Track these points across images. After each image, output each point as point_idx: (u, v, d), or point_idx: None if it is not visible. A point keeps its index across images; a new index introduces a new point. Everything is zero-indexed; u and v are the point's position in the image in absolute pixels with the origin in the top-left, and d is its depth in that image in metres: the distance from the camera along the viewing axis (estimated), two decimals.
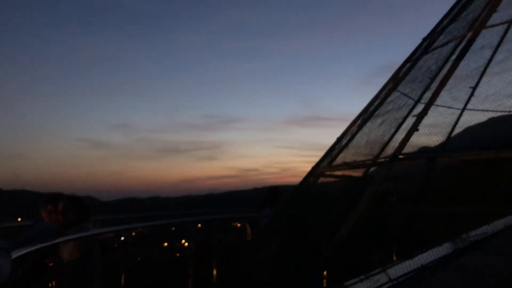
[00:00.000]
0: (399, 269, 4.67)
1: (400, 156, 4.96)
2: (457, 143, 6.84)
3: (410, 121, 5.74)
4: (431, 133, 5.89)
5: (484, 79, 6.50)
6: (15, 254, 2.70)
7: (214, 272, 6.36)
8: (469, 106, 6.61)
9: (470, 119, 6.36)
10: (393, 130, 6.24)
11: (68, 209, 4.44)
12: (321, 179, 6.57)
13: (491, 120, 5.79)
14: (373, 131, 6.59)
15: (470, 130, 6.16)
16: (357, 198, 4.50)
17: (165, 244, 8.81)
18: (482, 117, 5.97)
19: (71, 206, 4.49)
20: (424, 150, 5.81)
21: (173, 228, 8.71)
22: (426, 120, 5.72)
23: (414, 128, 4.97)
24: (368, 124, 6.68)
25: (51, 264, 4.05)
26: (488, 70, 6.42)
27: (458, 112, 6.68)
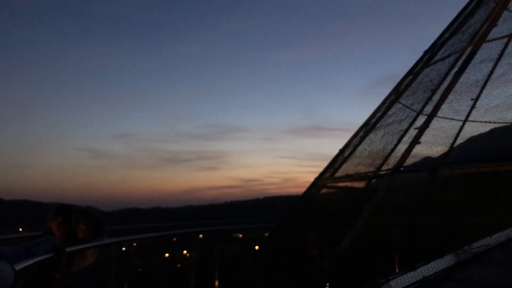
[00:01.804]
0: (401, 281, 4.66)
1: (402, 169, 4.97)
2: (459, 154, 6.86)
3: (412, 133, 5.79)
4: (433, 144, 5.93)
5: (485, 92, 6.54)
6: (19, 266, 2.68)
7: (216, 282, 6.36)
8: (470, 118, 6.64)
9: (472, 131, 6.39)
10: (395, 142, 6.29)
11: (81, 223, 4.45)
12: (324, 190, 6.61)
13: (492, 132, 5.81)
14: (375, 143, 6.64)
15: (472, 142, 6.18)
16: (359, 210, 4.52)
17: (166, 254, 8.79)
18: (483, 129, 6.01)
19: (85, 220, 4.49)
20: (426, 161, 5.84)
21: (174, 239, 8.71)
22: (428, 132, 5.76)
23: (415, 141, 4.99)
24: (370, 136, 6.73)
25: (57, 276, 4.04)
26: (489, 83, 6.46)
27: (460, 124, 6.72)
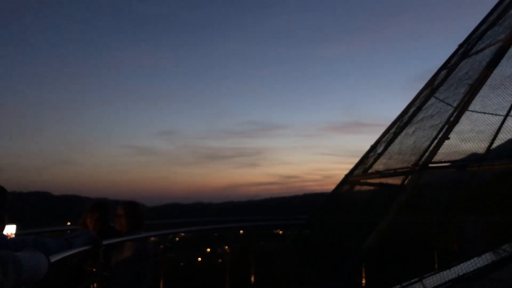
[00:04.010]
0: (436, 279, 4.60)
1: (431, 165, 4.88)
2: (502, 151, 6.61)
3: (446, 128, 5.64)
4: (469, 140, 5.74)
5: None
6: (54, 258, 2.79)
7: (252, 278, 6.42)
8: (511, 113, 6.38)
9: None
10: (432, 137, 6.14)
11: (125, 215, 4.61)
12: (356, 187, 6.54)
13: None
14: (410, 138, 6.51)
15: None
16: (389, 206, 4.48)
17: (208, 249, 8.94)
18: None
19: (128, 211, 4.67)
20: (466, 158, 5.68)
21: (215, 234, 8.85)
22: (465, 127, 5.60)
23: (445, 137, 4.88)
24: (405, 132, 6.61)
25: (90, 269, 4.20)
26: None
27: (500, 119, 6.46)
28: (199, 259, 9.12)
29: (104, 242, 4.01)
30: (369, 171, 6.47)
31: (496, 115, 6.35)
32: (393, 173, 5.84)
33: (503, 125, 6.44)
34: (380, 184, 6.33)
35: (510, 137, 6.20)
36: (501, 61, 5.49)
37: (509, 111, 6.44)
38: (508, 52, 5.36)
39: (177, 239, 7.32)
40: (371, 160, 6.70)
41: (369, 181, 6.55)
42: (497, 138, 6.48)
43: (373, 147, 6.86)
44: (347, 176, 6.62)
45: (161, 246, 6.26)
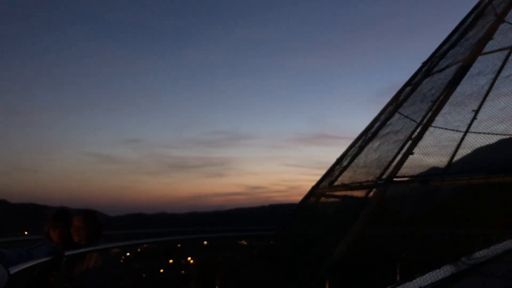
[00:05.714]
0: None
1: (395, 179, 5.01)
2: (460, 166, 6.86)
3: (410, 143, 5.82)
4: (432, 155, 5.95)
5: (487, 103, 6.55)
6: (14, 270, 2.71)
7: None
8: (471, 129, 6.65)
9: (473, 142, 6.40)
10: (395, 151, 6.32)
11: (84, 225, 4.49)
12: (322, 199, 6.63)
13: (493, 144, 5.83)
14: (375, 152, 6.67)
15: (475, 154, 6.18)
16: (355, 219, 4.55)
17: (171, 261, 8.81)
18: (484, 141, 6.02)
19: (88, 222, 4.55)
20: (430, 172, 5.86)
21: (179, 245, 8.74)
22: (427, 142, 5.80)
23: (409, 152, 5.03)
24: (370, 146, 6.76)
25: (53, 280, 4.09)
26: (489, 95, 6.46)
27: (460, 135, 6.72)
28: (161, 270, 8.97)
29: (67, 253, 3.90)
30: (335, 183, 6.57)
31: (457, 131, 6.61)
32: (359, 186, 5.95)
33: (463, 141, 6.70)
34: (346, 197, 6.44)
35: (469, 152, 6.47)
36: (462, 80, 5.72)
37: (468, 128, 6.71)
38: (469, 72, 5.59)
39: (139, 250, 7.19)
40: (337, 172, 6.81)
41: (335, 193, 6.66)
42: (457, 153, 6.74)
43: (339, 160, 6.99)
44: (314, 188, 6.69)
45: (123, 257, 6.13)
